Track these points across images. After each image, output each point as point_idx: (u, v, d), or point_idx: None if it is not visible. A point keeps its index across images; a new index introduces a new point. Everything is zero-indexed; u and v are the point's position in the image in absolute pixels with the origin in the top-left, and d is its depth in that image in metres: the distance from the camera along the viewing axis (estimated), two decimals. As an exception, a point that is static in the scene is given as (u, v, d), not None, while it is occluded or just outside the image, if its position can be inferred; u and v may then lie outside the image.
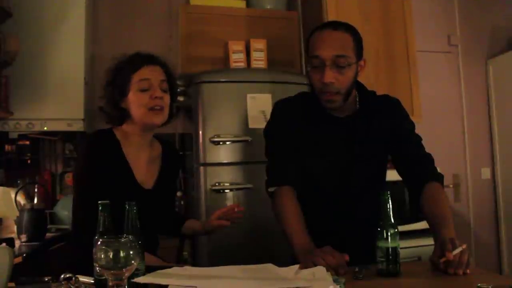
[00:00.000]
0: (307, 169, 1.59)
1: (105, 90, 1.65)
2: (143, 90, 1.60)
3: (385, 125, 1.61)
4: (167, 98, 1.65)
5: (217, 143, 2.62)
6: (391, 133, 1.61)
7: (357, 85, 1.63)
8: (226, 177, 2.62)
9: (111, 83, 1.64)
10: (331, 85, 1.48)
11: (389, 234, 1.26)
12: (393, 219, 1.27)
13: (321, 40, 1.50)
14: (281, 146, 1.59)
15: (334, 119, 1.59)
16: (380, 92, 1.72)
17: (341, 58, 1.47)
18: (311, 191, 1.58)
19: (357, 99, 1.62)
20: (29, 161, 3.06)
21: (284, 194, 1.52)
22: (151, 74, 1.62)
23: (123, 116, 1.65)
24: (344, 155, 1.59)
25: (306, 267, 1.23)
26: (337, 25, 1.52)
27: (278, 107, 1.67)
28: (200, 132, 2.62)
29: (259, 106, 2.67)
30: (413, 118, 1.72)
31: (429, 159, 1.60)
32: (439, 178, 1.56)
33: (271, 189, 1.56)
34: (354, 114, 1.60)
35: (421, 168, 1.57)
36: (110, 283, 0.99)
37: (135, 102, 1.60)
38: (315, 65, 1.50)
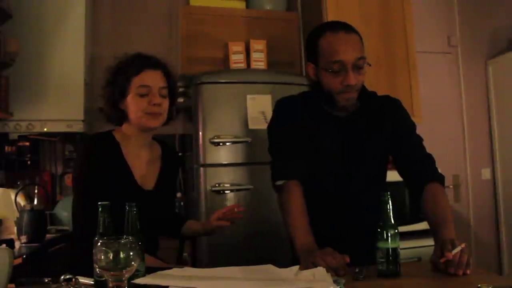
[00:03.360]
0: (307, 168, 1.58)
1: (105, 89, 1.65)
2: (142, 95, 1.60)
3: (386, 125, 1.62)
4: (166, 103, 1.65)
5: (217, 144, 2.62)
6: (392, 134, 1.62)
7: None
8: (226, 178, 2.62)
9: (111, 83, 1.64)
10: (354, 86, 1.51)
11: (389, 234, 1.26)
12: (394, 219, 1.27)
13: (342, 44, 1.50)
14: (287, 142, 1.59)
15: (334, 119, 1.60)
16: (380, 93, 1.72)
17: (361, 59, 1.51)
18: (311, 190, 1.57)
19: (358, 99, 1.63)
20: (29, 162, 3.06)
21: (292, 189, 1.51)
22: (151, 80, 1.61)
23: (122, 116, 1.65)
24: (344, 155, 1.59)
25: (306, 268, 1.23)
26: (346, 27, 1.54)
27: (281, 104, 1.68)
28: (200, 133, 2.62)
29: (259, 107, 2.67)
30: (413, 119, 1.72)
31: (430, 159, 1.60)
32: (440, 178, 1.56)
33: (279, 183, 1.55)
34: (355, 113, 1.61)
35: (422, 169, 1.57)
36: (110, 284, 0.99)
37: (133, 106, 1.60)
38: (336, 69, 1.50)
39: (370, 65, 1.55)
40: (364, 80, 1.55)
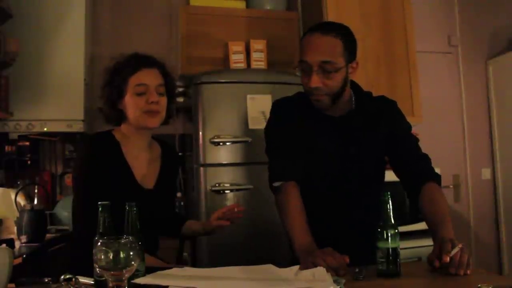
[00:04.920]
0: (304, 168, 1.58)
1: (103, 90, 1.66)
2: (139, 94, 1.60)
3: (382, 126, 1.61)
4: (163, 101, 1.66)
5: (217, 143, 2.62)
6: (388, 135, 1.61)
7: (353, 86, 1.63)
8: (226, 178, 2.62)
9: (108, 84, 1.65)
10: (318, 89, 1.50)
11: (389, 234, 1.26)
12: (394, 219, 1.27)
13: (308, 45, 1.51)
14: (284, 143, 1.60)
15: (329, 119, 1.60)
16: (380, 92, 1.72)
17: (328, 64, 1.48)
18: (308, 190, 1.57)
19: (353, 100, 1.63)
20: (29, 162, 3.06)
21: (289, 190, 1.52)
22: (148, 79, 1.62)
23: (121, 116, 1.66)
24: (339, 155, 1.59)
25: (306, 268, 1.23)
26: (327, 29, 1.52)
27: (277, 106, 1.68)
28: (200, 132, 2.62)
29: (259, 106, 2.67)
30: (413, 119, 1.72)
31: (426, 160, 1.60)
32: (437, 178, 1.56)
33: (276, 184, 1.55)
34: (349, 114, 1.61)
35: (418, 169, 1.57)
36: (110, 284, 0.99)
37: (131, 105, 1.61)
38: (303, 69, 1.52)
39: (350, 68, 1.53)
40: (338, 85, 1.51)
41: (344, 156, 1.59)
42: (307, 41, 1.53)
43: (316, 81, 1.48)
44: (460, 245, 1.26)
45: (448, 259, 1.22)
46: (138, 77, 1.61)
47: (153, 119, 1.62)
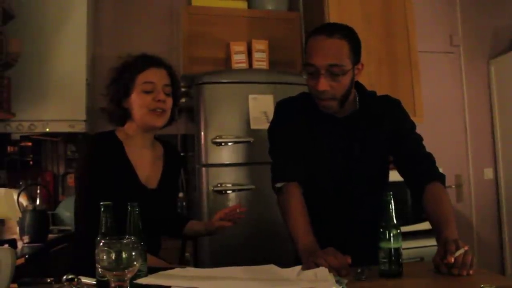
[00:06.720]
0: (307, 169, 1.58)
1: (109, 88, 1.67)
2: (146, 92, 1.61)
3: (386, 126, 1.61)
4: (169, 101, 1.66)
5: (219, 144, 2.62)
6: (391, 134, 1.61)
7: (357, 86, 1.63)
8: (228, 178, 2.62)
9: (115, 82, 1.65)
10: (326, 92, 1.49)
11: (391, 234, 1.26)
12: (396, 219, 1.27)
13: (315, 48, 1.49)
14: (288, 143, 1.60)
15: (333, 119, 1.59)
16: (382, 92, 1.71)
17: (335, 67, 1.46)
18: (312, 191, 1.57)
19: (357, 100, 1.62)
20: (31, 162, 3.07)
21: (291, 191, 1.52)
22: (156, 77, 1.63)
23: (125, 115, 1.66)
24: (343, 155, 1.59)
25: (308, 268, 1.23)
26: (332, 31, 1.50)
27: (281, 106, 1.68)
28: (202, 133, 2.62)
29: (261, 107, 2.66)
30: (415, 119, 1.71)
31: (430, 159, 1.60)
32: (441, 178, 1.56)
33: (278, 185, 1.56)
34: (353, 114, 1.60)
35: (422, 168, 1.57)
36: (113, 284, 0.99)
37: (137, 102, 1.62)
38: (310, 72, 1.50)
39: (356, 70, 1.52)
40: (345, 88, 1.51)
41: (349, 156, 1.59)
42: (312, 44, 1.51)
43: (324, 84, 1.47)
44: (466, 247, 1.25)
45: (452, 260, 1.22)
46: (146, 74, 1.62)
47: (158, 118, 1.63)
